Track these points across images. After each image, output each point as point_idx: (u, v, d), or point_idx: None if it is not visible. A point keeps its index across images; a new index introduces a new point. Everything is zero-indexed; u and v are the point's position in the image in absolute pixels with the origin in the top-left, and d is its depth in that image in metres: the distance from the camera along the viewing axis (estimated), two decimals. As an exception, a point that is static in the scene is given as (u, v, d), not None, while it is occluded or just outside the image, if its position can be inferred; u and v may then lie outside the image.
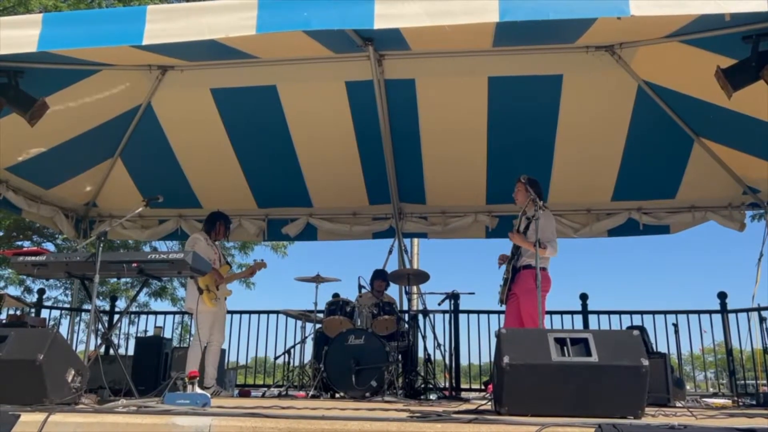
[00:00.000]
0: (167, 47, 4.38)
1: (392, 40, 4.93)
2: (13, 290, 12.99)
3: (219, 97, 6.19)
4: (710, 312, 7.49)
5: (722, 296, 7.45)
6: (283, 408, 3.32)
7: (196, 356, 5.50)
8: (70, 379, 3.37)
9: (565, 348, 3.09)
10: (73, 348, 5.22)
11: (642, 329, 6.24)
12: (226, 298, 6.10)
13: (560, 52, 5.52)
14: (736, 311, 7.39)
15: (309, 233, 7.59)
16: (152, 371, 6.48)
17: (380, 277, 6.84)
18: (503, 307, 5.45)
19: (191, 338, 5.70)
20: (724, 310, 7.40)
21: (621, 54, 5.47)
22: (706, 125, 5.95)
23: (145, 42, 3.60)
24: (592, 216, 7.18)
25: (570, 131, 6.24)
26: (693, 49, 4.67)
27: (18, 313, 7.54)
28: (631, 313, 7.68)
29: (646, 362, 2.96)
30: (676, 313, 7.47)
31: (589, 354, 3.04)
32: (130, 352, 7.45)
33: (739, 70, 4.05)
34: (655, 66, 5.44)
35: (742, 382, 7.84)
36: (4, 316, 6.55)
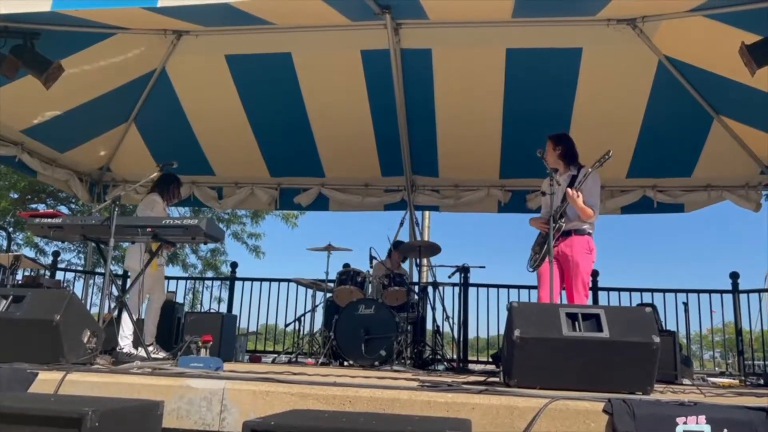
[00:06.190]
0: (182, 10, 4.35)
1: (410, 8, 4.87)
2: (28, 252, 13.15)
3: (233, 64, 6.15)
4: (721, 292, 7.45)
5: (734, 276, 7.41)
6: (295, 374, 3.37)
7: (153, 313, 5.65)
8: (85, 339, 3.43)
9: (576, 323, 3.09)
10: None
11: (652, 307, 6.22)
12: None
13: (581, 25, 5.43)
14: (747, 291, 7.36)
15: (321, 203, 7.61)
16: (165, 335, 6.56)
17: (399, 248, 6.87)
18: (532, 274, 4.75)
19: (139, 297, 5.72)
20: (735, 290, 7.37)
21: (643, 28, 5.37)
22: (726, 103, 5.85)
23: (160, 4, 3.57)
24: (606, 193, 7.09)
25: (587, 106, 6.16)
26: (717, 24, 4.57)
27: (33, 274, 7.65)
28: (641, 290, 7.65)
29: (657, 339, 2.96)
30: (686, 291, 7.43)
31: (600, 330, 3.04)
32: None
33: (764, 46, 3.96)
34: (678, 41, 5.34)
35: (750, 362, 7.84)
36: (20, 277, 6.64)
